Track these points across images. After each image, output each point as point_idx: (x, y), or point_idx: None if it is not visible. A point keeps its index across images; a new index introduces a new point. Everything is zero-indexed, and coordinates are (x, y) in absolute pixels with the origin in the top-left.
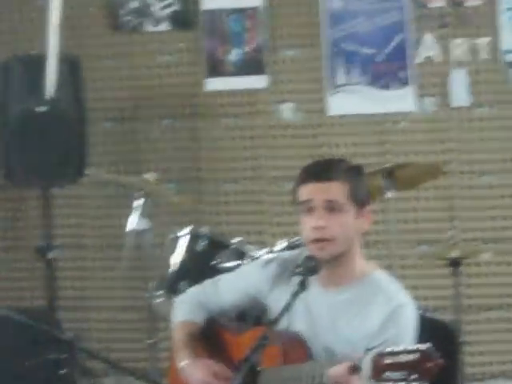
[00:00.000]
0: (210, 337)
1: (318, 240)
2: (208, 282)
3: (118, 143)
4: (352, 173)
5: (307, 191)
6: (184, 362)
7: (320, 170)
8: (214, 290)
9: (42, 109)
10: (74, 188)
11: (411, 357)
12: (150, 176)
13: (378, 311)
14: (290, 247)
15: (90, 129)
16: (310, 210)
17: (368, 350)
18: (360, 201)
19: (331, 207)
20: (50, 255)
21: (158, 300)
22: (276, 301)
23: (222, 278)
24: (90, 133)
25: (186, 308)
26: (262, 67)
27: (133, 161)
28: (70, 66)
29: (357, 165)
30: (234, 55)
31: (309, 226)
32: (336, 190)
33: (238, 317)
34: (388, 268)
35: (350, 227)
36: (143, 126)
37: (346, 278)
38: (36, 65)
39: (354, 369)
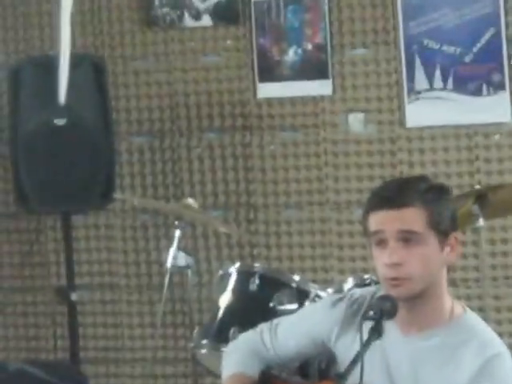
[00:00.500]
0: None
1: (393, 278)
2: (264, 327)
3: (153, 162)
4: (432, 194)
5: (377, 220)
6: None
7: (391, 194)
8: (272, 335)
9: (61, 121)
10: (100, 216)
11: None
12: (192, 202)
13: (470, 361)
14: (361, 285)
15: (118, 145)
16: (382, 243)
17: None
18: (444, 229)
19: (407, 239)
20: (74, 297)
21: (203, 350)
22: (345, 349)
23: (281, 322)
24: (118, 150)
25: (238, 358)
26: (326, 70)
27: (171, 183)
28: (94, 70)
29: (439, 184)
30: (292, 55)
31: (381, 262)
32: (412, 217)
33: (300, 368)
34: (480, 310)
35: (431, 261)
36: (183, 141)
37: (430, 320)
38: (53, 68)
39: None
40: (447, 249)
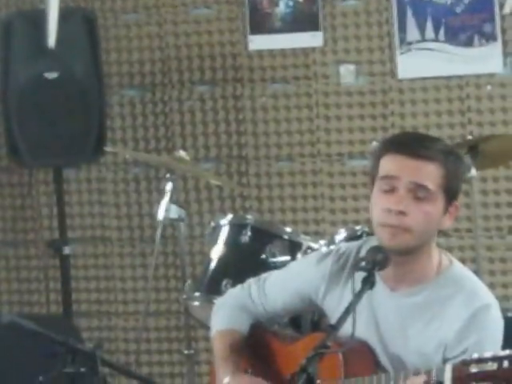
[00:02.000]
0: (256, 347)
1: (390, 225)
2: (252, 282)
3: (144, 115)
4: (451, 159)
5: (393, 165)
6: (226, 379)
7: (416, 143)
8: (259, 291)
9: (53, 75)
10: (92, 169)
11: (501, 365)
12: (183, 154)
13: (458, 314)
14: (353, 237)
15: (109, 98)
16: (389, 189)
17: (445, 360)
18: (451, 194)
19: (417, 193)
20: (66, 251)
21: (195, 303)
22: (334, 303)
23: (269, 278)
24: (110, 103)
25: (226, 314)
26: (317, 21)
27: (163, 136)
28: (85, 23)
29: (457, 151)
30: (283, 7)
31: (383, 207)
32: (430, 173)
33: (291, 322)
34: (473, 261)
35: (433, 221)
36: (175, 94)
37: (418, 277)
38: (44, 22)
39: (434, 381)
40: (447, 215)
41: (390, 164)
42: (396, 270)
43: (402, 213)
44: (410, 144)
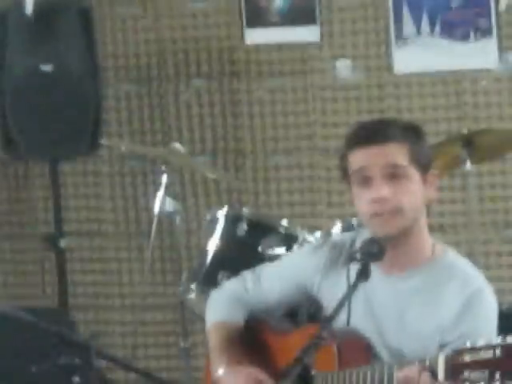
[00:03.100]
0: (251, 339)
1: (380, 214)
2: (247, 274)
3: (140, 108)
4: (410, 132)
5: (359, 158)
6: (221, 371)
7: (372, 131)
8: (255, 283)
9: (48, 67)
10: (88, 162)
11: (494, 353)
12: (180, 147)
13: (453, 299)
14: (346, 230)
15: (106, 91)
16: (366, 181)
17: (442, 346)
18: (423, 164)
19: (392, 174)
20: (62, 244)
21: (192, 295)
22: (329, 294)
23: (265, 269)
24: (106, 96)
25: (221, 307)
26: (314, 16)
27: (159, 130)
28: (81, 16)
29: (414, 123)
30: (280, 1)
31: (366, 199)
32: (395, 151)
33: (288, 314)
34: (468, 255)
35: (417, 196)
36: (171, 88)
37: (412, 259)
38: (41, 14)
39: (428, 370)
40: (427, 185)
41: (358, 158)
42: (389, 253)
43: (384, 199)
44: (368, 133)
